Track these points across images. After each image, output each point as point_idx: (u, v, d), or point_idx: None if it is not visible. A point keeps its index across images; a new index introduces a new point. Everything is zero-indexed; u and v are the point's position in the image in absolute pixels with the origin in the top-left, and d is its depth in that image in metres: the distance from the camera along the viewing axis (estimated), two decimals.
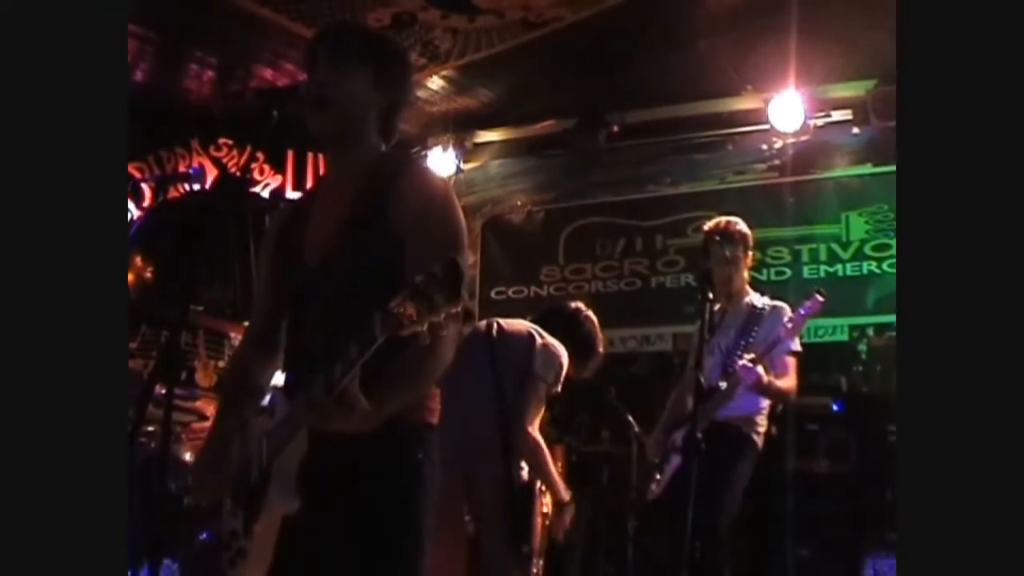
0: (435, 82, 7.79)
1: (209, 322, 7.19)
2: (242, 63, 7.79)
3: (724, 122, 7.90)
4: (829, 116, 7.51)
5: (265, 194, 8.69)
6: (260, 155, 8.54)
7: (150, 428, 5.10)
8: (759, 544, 6.09)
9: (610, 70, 7.55)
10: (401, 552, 2.60)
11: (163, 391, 3.92)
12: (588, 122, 8.11)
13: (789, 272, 7.50)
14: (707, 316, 4.56)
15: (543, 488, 4.78)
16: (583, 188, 8.53)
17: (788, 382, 5.11)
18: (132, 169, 8.35)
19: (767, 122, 7.47)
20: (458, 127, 8.55)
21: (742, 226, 5.38)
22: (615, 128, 8.11)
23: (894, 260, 7.00)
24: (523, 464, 4.66)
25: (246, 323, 7.32)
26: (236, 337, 6.81)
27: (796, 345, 5.14)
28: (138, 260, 8.15)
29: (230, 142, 8.64)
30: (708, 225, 5.47)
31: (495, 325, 4.88)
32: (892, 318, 6.80)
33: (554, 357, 4.73)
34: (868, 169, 7.43)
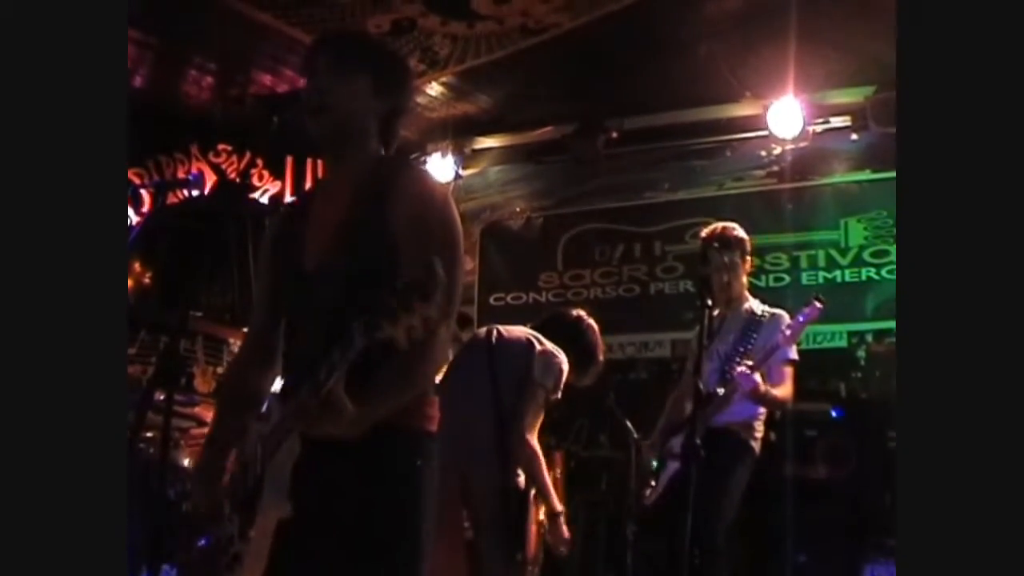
0: (434, 88, 7.80)
1: (208, 328, 7.20)
2: (242, 69, 7.79)
3: (723, 128, 7.91)
4: (828, 122, 7.53)
5: (264, 200, 8.70)
6: (259, 161, 8.55)
7: (149, 434, 5.10)
8: (758, 550, 6.08)
9: (609, 76, 7.56)
10: (400, 559, 2.60)
11: (162, 397, 3.92)
12: (587, 128, 8.12)
13: (788, 278, 7.50)
14: (706, 322, 4.55)
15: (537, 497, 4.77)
16: (582, 194, 8.54)
17: (784, 391, 5.10)
18: (131, 175, 8.35)
19: (766, 128, 7.48)
20: (457, 133, 8.56)
21: (739, 232, 5.37)
22: (614, 134, 8.12)
23: (893, 266, 7.01)
24: (519, 471, 4.65)
25: (245, 329, 7.34)
26: (235, 343, 6.82)
27: (793, 354, 5.13)
28: (137, 266, 8.15)
29: (229, 148, 8.65)
30: (705, 232, 5.46)
31: (495, 332, 4.86)
32: (891, 324, 6.81)
33: (553, 364, 4.71)
34: (867, 175, 7.44)
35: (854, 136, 7.47)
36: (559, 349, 4.76)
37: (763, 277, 7.46)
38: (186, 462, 5.67)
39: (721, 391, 4.94)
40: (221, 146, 8.65)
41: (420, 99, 7.81)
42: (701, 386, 4.36)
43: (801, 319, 4.97)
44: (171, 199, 8.38)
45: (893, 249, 7.06)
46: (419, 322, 2.18)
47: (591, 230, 8.40)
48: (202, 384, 6.71)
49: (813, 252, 7.49)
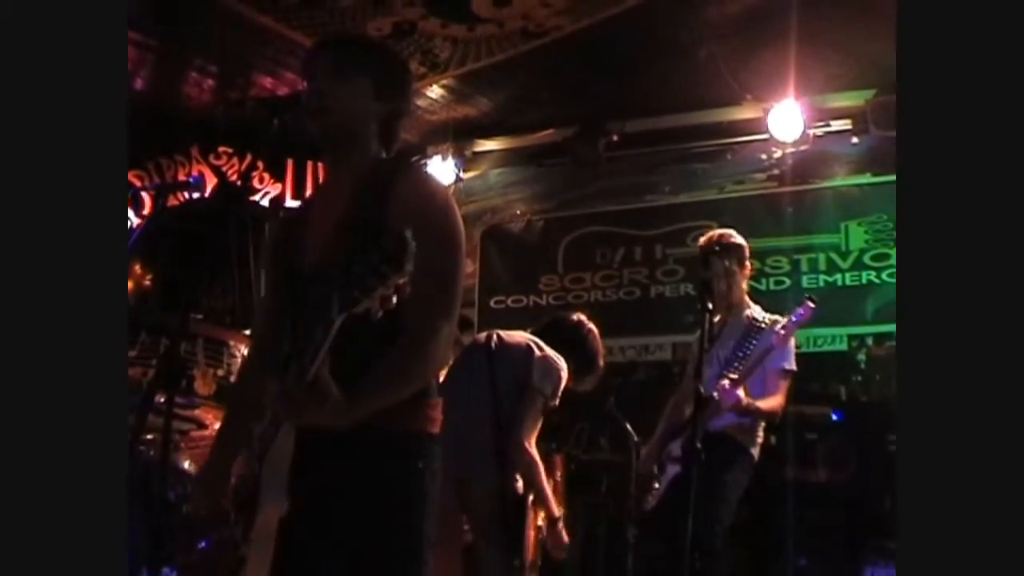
0: (435, 91, 7.80)
1: (208, 330, 7.19)
2: (242, 71, 7.80)
3: (724, 131, 7.92)
4: (828, 126, 7.53)
5: (265, 203, 8.70)
6: (260, 163, 8.54)
7: (149, 436, 5.09)
8: (758, 553, 6.08)
9: (610, 79, 7.57)
10: (401, 560, 2.60)
11: (163, 399, 3.92)
12: (588, 131, 8.12)
13: (788, 281, 7.50)
14: (707, 326, 4.55)
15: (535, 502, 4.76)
16: (583, 197, 8.54)
17: (774, 401, 5.07)
18: (132, 177, 8.35)
19: (767, 131, 7.48)
20: (458, 136, 8.56)
21: (736, 238, 5.36)
22: (615, 137, 8.12)
23: (893, 270, 7.01)
24: (518, 477, 4.64)
25: (245, 331, 7.35)
26: (235, 345, 6.81)
27: (790, 364, 5.12)
28: (137, 268, 8.16)
29: (230, 150, 8.66)
30: (703, 239, 5.45)
31: (494, 337, 4.86)
32: (891, 327, 6.80)
33: (552, 370, 4.70)
34: (867, 179, 7.44)
35: (855, 139, 7.47)
36: (559, 355, 4.75)
37: (763, 280, 7.46)
38: (186, 464, 5.67)
39: (724, 383, 4.93)
40: (222, 148, 8.65)
41: (420, 102, 7.81)
42: (702, 390, 4.36)
43: (794, 319, 4.97)
44: (172, 201, 8.38)
45: (893, 252, 7.06)
46: (392, 292, 2.18)
47: (592, 233, 8.39)
48: (202, 386, 6.70)
49: (814, 255, 7.49)
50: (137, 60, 7.47)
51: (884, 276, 7.15)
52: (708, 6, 6.52)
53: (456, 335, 3.14)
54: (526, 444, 4.57)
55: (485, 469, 4.53)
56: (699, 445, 4.20)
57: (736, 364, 5.04)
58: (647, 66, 7.23)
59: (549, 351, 4.76)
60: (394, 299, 2.21)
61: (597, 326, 5.11)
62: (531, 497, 4.68)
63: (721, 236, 5.36)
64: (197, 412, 6.19)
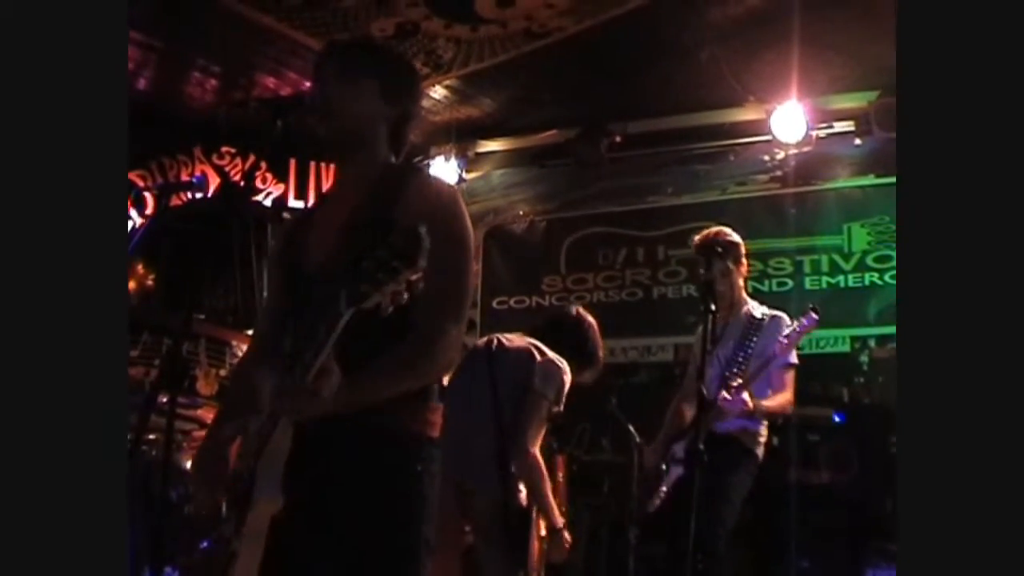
0: (438, 91, 7.80)
1: (211, 330, 7.19)
2: (245, 72, 7.80)
3: (726, 133, 7.92)
4: (831, 127, 7.53)
5: (267, 203, 8.71)
6: (263, 164, 8.55)
7: (151, 436, 5.10)
8: (760, 555, 6.08)
9: (613, 80, 7.57)
10: (399, 561, 2.60)
11: (165, 399, 3.93)
12: (590, 132, 8.13)
13: (791, 283, 7.50)
14: (709, 327, 4.55)
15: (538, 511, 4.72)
16: (585, 198, 8.53)
17: (783, 398, 5.09)
18: (135, 177, 8.36)
19: (769, 133, 7.49)
20: (461, 137, 8.57)
21: (732, 236, 5.35)
22: (617, 138, 8.12)
23: (896, 271, 7.00)
24: (520, 485, 4.61)
25: (248, 331, 7.35)
26: (238, 345, 6.81)
27: (793, 358, 5.12)
28: (140, 268, 8.16)
29: (233, 150, 8.66)
30: (697, 238, 5.44)
31: (495, 341, 4.82)
32: (894, 329, 6.79)
33: (555, 373, 4.66)
34: (870, 180, 7.44)
35: (857, 141, 7.47)
36: (560, 358, 4.73)
37: (766, 282, 7.47)
38: (188, 464, 5.66)
39: (724, 395, 4.93)
40: (224, 148, 8.66)
41: (424, 102, 7.80)
42: (704, 391, 4.36)
43: (798, 329, 4.97)
44: (175, 201, 8.38)
45: (896, 254, 7.06)
46: (404, 288, 2.19)
47: (594, 234, 8.40)
48: (204, 387, 6.70)
49: (816, 257, 7.49)
50: (140, 60, 7.47)
51: (886, 278, 7.15)
52: (711, 8, 6.52)
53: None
54: (530, 449, 4.53)
55: (487, 477, 4.50)
56: (702, 447, 4.20)
57: (737, 367, 5.04)
58: (650, 67, 7.23)
59: (551, 354, 4.73)
60: (405, 295, 2.22)
61: (599, 327, 5.10)
62: (534, 506, 4.66)
63: (717, 234, 5.36)
64: (199, 412, 6.19)
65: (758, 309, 5.29)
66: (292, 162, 8.76)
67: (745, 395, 4.88)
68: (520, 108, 8.22)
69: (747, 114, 7.72)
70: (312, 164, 8.75)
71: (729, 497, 4.96)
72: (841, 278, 7.37)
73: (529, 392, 4.60)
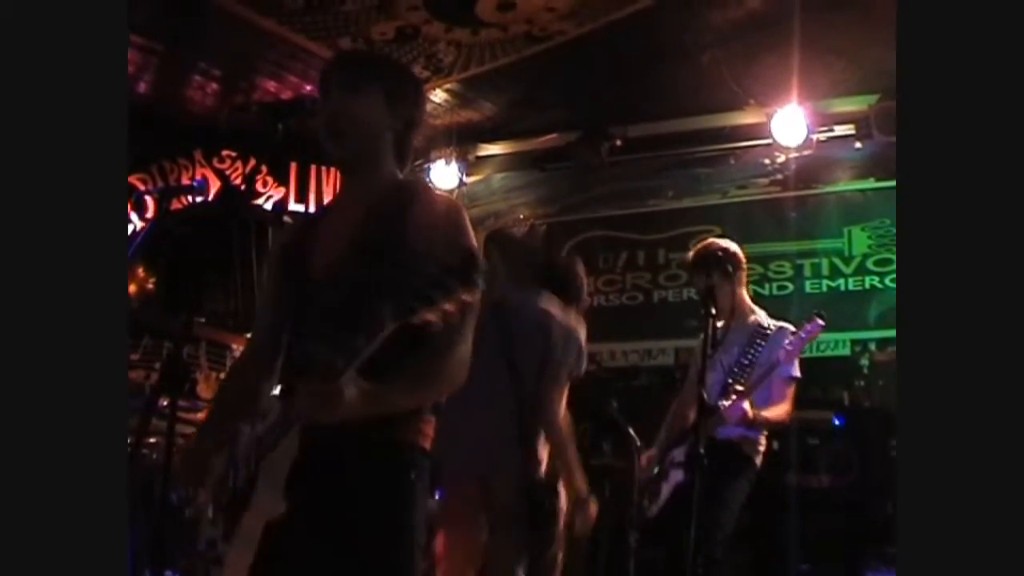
0: (438, 95, 7.80)
1: (211, 334, 7.21)
2: (246, 75, 7.81)
3: (727, 136, 7.91)
4: (832, 131, 7.52)
5: (268, 206, 8.71)
6: (263, 167, 8.55)
7: (152, 439, 5.10)
8: (760, 558, 6.08)
9: (613, 84, 7.57)
10: (394, 569, 2.62)
11: (165, 403, 3.93)
12: (591, 136, 8.12)
13: (791, 287, 7.51)
14: (710, 332, 4.55)
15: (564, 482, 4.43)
16: (586, 201, 8.54)
17: (781, 409, 5.08)
18: (135, 180, 8.37)
19: (770, 136, 7.48)
20: (461, 140, 8.57)
21: (729, 246, 5.35)
22: (618, 142, 8.12)
23: (896, 275, 7.01)
24: (541, 460, 4.36)
25: (248, 334, 7.35)
26: (238, 349, 6.82)
27: (795, 371, 5.12)
28: (141, 271, 8.16)
29: (233, 154, 8.66)
30: (692, 253, 5.43)
31: (505, 303, 4.48)
32: (894, 333, 6.80)
33: (574, 338, 4.45)
34: (870, 184, 7.45)
35: (858, 144, 7.47)
36: (577, 318, 4.53)
37: (767, 285, 7.47)
38: (178, 475, 5.66)
39: (725, 404, 4.93)
40: (225, 152, 8.66)
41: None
42: (705, 396, 4.35)
43: (803, 336, 4.97)
44: (175, 205, 8.38)
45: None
46: (456, 307, 2.20)
47: (595, 237, 8.40)
48: (205, 390, 6.71)
49: (817, 260, 7.51)
50: (141, 64, 7.47)
51: (887, 281, 7.17)
52: (711, 11, 6.53)
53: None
54: (556, 420, 4.32)
55: (507, 453, 4.26)
56: (702, 451, 4.20)
57: (741, 372, 5.05)
58: (650, 71, 7.23)
59: (565, 316, 4.50)
60: (458, 316, 2.24)
61: (600, 331, 5.04)
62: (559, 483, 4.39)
63: (709, 246, 5.35)
64: (200, 415, 6.18)
65: (765, 319, 5.29)
66: (293, 166, 8.76)
67: (746, 404, 4.88)
68: (521, 112, 8.23)
69: (748, 118, 7.71)
70: (313, 167, 8.76)
71: (727, 503, 4.96)
72: (841, 281, 7.38)
73: (549, 360, 4.37)
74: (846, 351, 7.12)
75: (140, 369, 6.40)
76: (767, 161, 7.85)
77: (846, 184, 7.58)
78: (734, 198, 7.99)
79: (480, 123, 8.40)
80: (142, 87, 7.88)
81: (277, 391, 2.86)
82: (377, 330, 2.29)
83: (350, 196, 2.95)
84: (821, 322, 4.95)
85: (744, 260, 5.38)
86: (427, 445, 2.75)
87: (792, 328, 5.20)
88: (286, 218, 8.61)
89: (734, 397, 4.91)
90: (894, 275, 7.07)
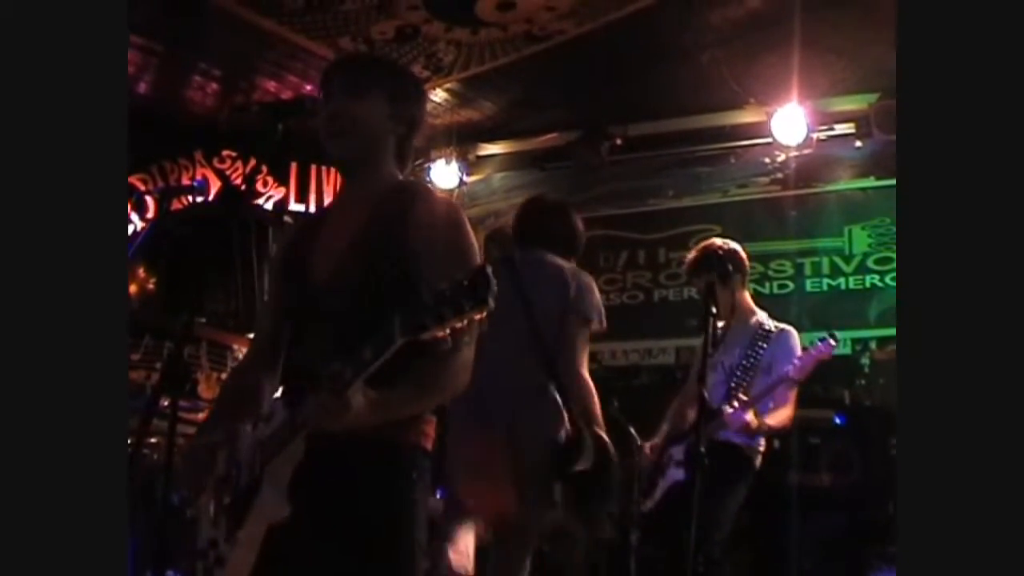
0: (438, 95, 7.81)
1: (212, 334, 7.19)
2: (246, 75, 7.81)
3: (727, 135, 7.92)
4: (832, 129, 7.54)
5: (268, 206, 8.71)
6: (263, 167, 8.55)
7: (153, 440, 5.10)
8: (760, 557, 6.08)
9: (613, 83, 7.57)
10: (395, 569, 2.62)
11: (166, 403, 3.93)
12: (591, 135, 8.13)
13: (792, 285, 7.51)
14: (710, 331, 4.55)
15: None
16: (586, 201, 8.51)
17: (784, 413, 5.08)
18: (135, 180, 8.37)
19: (770, 135, 7.49)
20: (461, 140, 8.57)
21: (730, 246, 5.34)
22: (618, 141, 8.13)
23: (896, 273, 7.01)
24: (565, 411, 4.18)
25: (249, 335, 7.34)
26: (239, 349, 6.81)
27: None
28: (141, 271, 8.16)
29: (234, 154, 8.66)
30: (693, 254, 5.42)
31: (517, 258, 4.34)
32: (894, 331, 6.79)
33: (591, 291, 4.43)
34: (871, 182, 7.45)
35: (858, 143, 7.48)
36: (587, 274, 4.51)
37: (767, 284, 7.47)
38: (179, 475, 5.66)
39: (728, 409, 4.92)
40: (225, 152, 8.66)
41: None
42: (706, 395, 4.35)
43: (813, 354, 4.96)
44: (175, 205, 8.38)
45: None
46: (466, 324, 2.21)
47: (595, 237, 8.32)
48: (206, 390, 6.70)
49: (817, 259, 7.51)
50: (141, 64, 7.47)
51: (887, 280, 7.17)
52: (711, 10, 6.53)
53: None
54: (583, 373, 4.27)
55: (536, 411, 4.16)
56: (703, 450, 4.19)
57: (743, 375, 5.05)
58: (651, 70, 7.24)
59: (573, 269, 4.49)
60: (466, 336, 2.26)
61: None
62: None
63: (711, 246, 5.35)
64: (201, 416, 6.18)
65: (768, 320, 5.29)
66: (293, 165, 8.77)
67: (748, 416, 4.89)
68: (521, 111, 8.23)
69: (748, 116, 7.72)
70: (313, 167, 8.77)
71: (726, 503, 4.97)
72: (842, 280, 7.38)
73: (568, 314, 4.33)
74: (847, 350, 7.11)
75: (141, 369, 6.39)
76: (767, 160, 7.85)
77: (846, 183, 7.58)
78: (734, 197, 7.99)
79: (480, 122, 8.41)
80: (142, 87, 7.88)
81: (279, 393, 2.86)
82: (385, 342, 2.29)
83: (351, 197, 2.96)
84: (833, 343, 4.96)
85: (746, 260, 5.38)
86: (428, 445, 2.76)
87: (794, 332, 5.21)
88: (286, 218, 8.62)
89: (737, 405, 4.91)
90: (894, 274, 7.07)
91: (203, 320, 7.37)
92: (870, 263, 7.30)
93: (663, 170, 8.27)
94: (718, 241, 5.43)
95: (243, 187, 8.71)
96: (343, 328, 2.62)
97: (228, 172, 8.64)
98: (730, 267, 5.24)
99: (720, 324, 5.14)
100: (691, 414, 5.05)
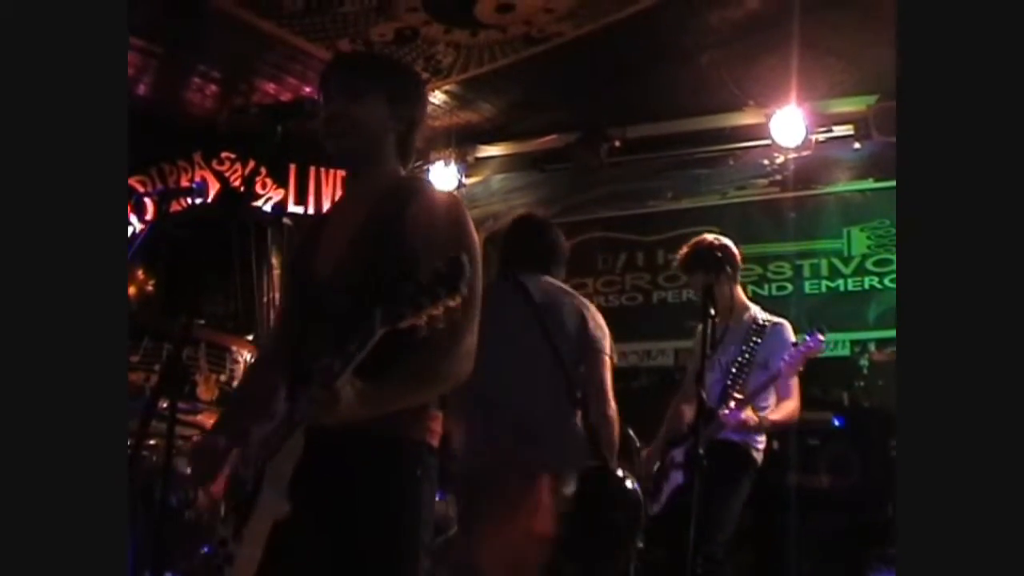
0: (437, 97, 7.81)
1: (211, 336, 7.19)
2: (245, 77, 7.81)
3: (726, 137, 7.92)
4: (831, 131, 7.54)
5: (267, 208, 8.71)
6: (262, 169, 8.55)
7: (152, 442, 5.10)
8: (760, 559, 6.08)
9: (612, 85, 7.57)
10: (397, 566, 2.62)
11: (165, 405, 3.93)
12: (590, 137, 8.13)
13: (791, 287, 7.51)
14: (709, 332, 4.54)
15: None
16: (585, 202, 8.54)
17: (790, 405, 5.07)
18: (135, 182, 8.37)
19: (769, 137, 7.48)
20: (460, 142, 8.57)
21: (726, 245, 5.33)
22: (617, 143, 8.13)
23: (895, 275, 7.01)
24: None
25: (248, 337, 7.35)
26: (238, 351, 6.81)
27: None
28: (140, 273, 8.16)
29: (233, 156, 8.66)
30: (685, 249, 5.41)
31: (530, 287, 4.35)
32: (893, 333, 6.80)
33: (602, 323, 4.44)
34: (869, 184, 7.45)
35: (857, 145, 7.48)
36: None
37: (766, 286, 7.48)
38: (189, 470, 5.66)
39: (726, 412, 4.92)
40: (224, 154, 8.66)
41: None
42: (704, 396, 4.35)
43: (802, 349, 4.96)
44: (174, 207, 8.38)
45: (896, 258, 7.07)
46: (442, 312, 2.22)
47: (594, 239, 8.40)
48: (205, 392, 6.69)
49: (816, 261, 7.51)
50: (140, 66, 7.47)
51: (886, 281, 7.17)
52: (710, 12, 6.53)
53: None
54: (610, 413, 4.22)
55: (568, 451, 4.14)
56: (702, 451, 4.19)
57: (739, 372, 5.04)
58: (649, 72, 7.24)
59: (581, 299, 4.48)
60: (443, 321, 2.26)
61: None
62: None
63: (704, 243, 5.34)
64: (199, 418, 6.19)
65: (761, 314, 5.28)
66: (292, 167, 8.77)
67: (744, 414, 4.88)
68: (520, 113, 8.23)
69: (747, 118, 7.72)
70: (312, 169, 8.76)
71: (728, 503, 4.96)
72: (841, 282, 7.38)
73: (589, 350, 4.32)
74: (846, 352, 7.12)
75: (140, 371, 6.38)
76: (766, 162, 7.85)
77: (845, 185, 7.58)
78: (733, 199, 7.99)
79: (479, 124, 8.41)
80: (142, 89, 7.88)
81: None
82: (367, 334, 2.31)
83: (352, 196, 2.97)
84: (821, 338, 4.94)
85: (738, 255, 5.37)
86: (434, 442, 2.76)
87: (787, 324, 5.20)
88: (285, 220, 8.62)
89: (732, 404, 4.91)
90: (893, 275, 7.08)
91: (202, 322, 7.37)
92: (869, 265, 7.30)
93: (662, 172, 8.27)
94: (709, 237, 5.40)
95: (242, 189, 8.70)
96: (344, 326, 2.62)
97: (227, 174, 8.64)
98: (728, 268, 5.23)
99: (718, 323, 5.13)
100: (689, 413, 5.05)
